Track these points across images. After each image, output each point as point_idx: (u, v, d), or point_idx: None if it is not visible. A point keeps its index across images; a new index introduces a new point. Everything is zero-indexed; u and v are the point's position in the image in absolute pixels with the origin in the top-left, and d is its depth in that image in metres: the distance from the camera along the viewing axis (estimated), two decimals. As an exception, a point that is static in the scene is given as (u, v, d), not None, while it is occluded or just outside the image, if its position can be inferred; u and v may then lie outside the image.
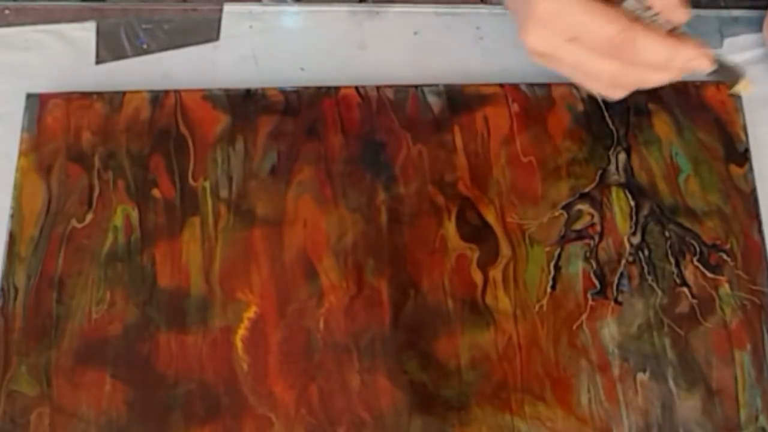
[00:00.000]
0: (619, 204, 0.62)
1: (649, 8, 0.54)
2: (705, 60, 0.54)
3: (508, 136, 0.64)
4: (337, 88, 0.65)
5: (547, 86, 0.65)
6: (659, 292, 0.59)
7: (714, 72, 0.55)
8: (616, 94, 0.57)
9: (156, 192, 0.63)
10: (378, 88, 0.65)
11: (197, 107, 0.65)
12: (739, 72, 0.56)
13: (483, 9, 0.70)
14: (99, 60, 0.68)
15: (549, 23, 0.53)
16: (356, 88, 0.65)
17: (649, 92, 0.65)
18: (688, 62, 0.54)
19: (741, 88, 0.57)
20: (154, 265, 0.61)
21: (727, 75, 0.56)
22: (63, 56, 0.68)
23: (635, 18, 0.53)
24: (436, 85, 0.65)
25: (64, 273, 0.60)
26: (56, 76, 0.67)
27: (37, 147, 0.64)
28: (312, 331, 0.59)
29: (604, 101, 0.64)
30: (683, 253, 0.60)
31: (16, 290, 0.60)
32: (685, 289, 0.59)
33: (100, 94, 0.65)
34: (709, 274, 0.60)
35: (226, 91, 0.65)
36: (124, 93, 0.65)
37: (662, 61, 0.53)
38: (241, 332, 0.59)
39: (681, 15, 0.54)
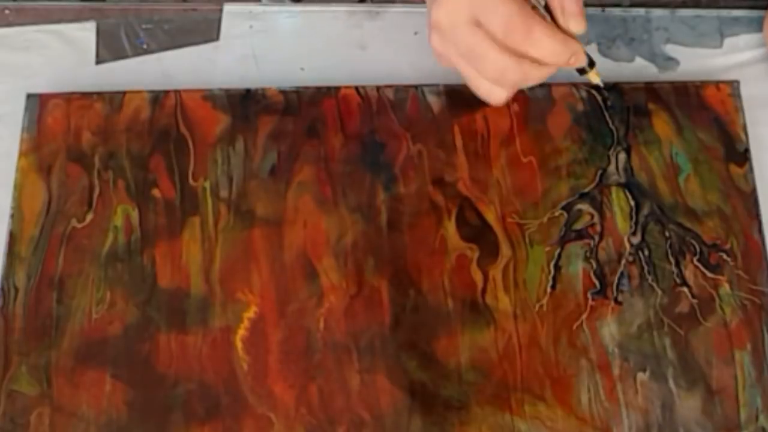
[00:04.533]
0: (619, 204, 0.62)
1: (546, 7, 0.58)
2: (583, 56, 0.58)
3: (508, 136, 0.64)
4: (337, 88, 0.65)
5: (547, 86, 0.65)
6: (659, 292, 0.59)
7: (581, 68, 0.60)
8: (495, 94, 0.60)
9: (156, 192, 0.63)
10: (378, 88, 0.65)
11: (197, 107, 0.65)
12: (592, 61, 0.61)
13: (483, 9, 0.70)
14: (99, 60, 0.68)
15: None
16: (356, 88, 0.65)
17: (648, 92, 0.65)
18: (571, 57, 0.57)
19: (592, 77, 0.61)
20: (154, 265, 0.61)
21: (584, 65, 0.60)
22: (63, 56, 0.68)
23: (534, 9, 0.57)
24: (436, 85, 0.65)
25: (64, 273, 0.60)
26: (56, 76, 0.67)
27: (37, 147, 0.64)
28: (312, 331, 0.59)
29: (604, 101, 0.64)
30: (683, 253, 0.60)
31: (17, 290, 0.60)
32: (685, 289, 0.59)
33: (100, 95, 0.65)
34: (709, 274, 0.60)
35: (226, 91, 0.65)
36: (124, 93, 0.65)
37: (549, 54, 0.57)
38: (241, 332, 0.59)
39: (577, 24, 0.58)
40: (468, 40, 0.57)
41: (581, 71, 0.61)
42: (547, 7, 0.58)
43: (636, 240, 0.61)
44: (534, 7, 0.57)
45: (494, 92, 0.60)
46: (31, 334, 0.59)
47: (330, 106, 0.65)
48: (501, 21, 0.56)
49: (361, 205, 0.62)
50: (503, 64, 0.57)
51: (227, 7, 0.70)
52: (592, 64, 0.60)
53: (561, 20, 0.58)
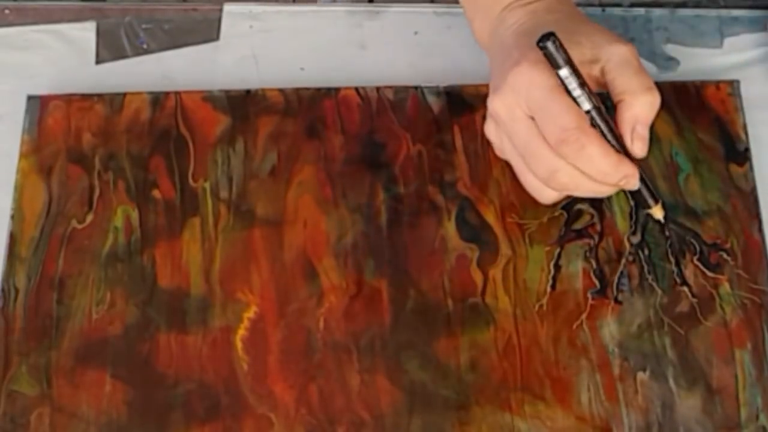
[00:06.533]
0: (619, 203, 0.62)
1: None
2: (635, 180, 0.55)
3: (508, 136, 0.64)
4: (337, 89, 0.65)
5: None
6: (659, 292, 0.59)
7: (636, 192, 0.57)
8: (545, 194, 0.58)
9: (156, 193, 0.63)
10: (378, 88, 0.65)
11: (197, 108, 0.65)
12: (656, 196, 0.58)
13: (483, 9, 0.70)
14: (99, 60, 0.68)
15: (517, 91, 0.54)
16: (356, 88, 0.65)
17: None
18: (622, 179, 0.55)
19: (656, 212, 0.58)
20: (154, 265, 0.61)
21: (645, 197, 0.58)
22: (63, 56, 0.68)
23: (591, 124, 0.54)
24: (436, 86, 0.65)
25: (64, 273, 0.60)
26: (56, 76, 0.67)
27: (38, 149, 0.64)
28: (312, 331, 0.59)
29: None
30: (683, 253, 0.60)
31: (17, 291, 0.60)
32: (685, 289, 0.59)
33: (100, 96, 0.65)
34: (709, 273, 0.60)
35: (226, 92, 0.65)
36: (124, 94, 0.65)
37: (598, 174, 0.54)
38: (241, 332, 0.59)
39: (641, 150, 0.55)
40: (523, 135, 0.55)
41: (644, 205, 0.59)
42: (603, 114, 0.55)
43: (636, 239, 0.61)
44: (593, 114, 0.54)
45: (544, 192, 0.58)
46: (31, 335, 0.59)
47: (330, 107, 0.65)
48: (556, 129, 0.53)
49: (361, 205, 0.62)
50: (555, 165, 0.55)
51: (227, 7, 0.70)
52: (654, 196, 0.58)
53: (627, 138, 0.55)
